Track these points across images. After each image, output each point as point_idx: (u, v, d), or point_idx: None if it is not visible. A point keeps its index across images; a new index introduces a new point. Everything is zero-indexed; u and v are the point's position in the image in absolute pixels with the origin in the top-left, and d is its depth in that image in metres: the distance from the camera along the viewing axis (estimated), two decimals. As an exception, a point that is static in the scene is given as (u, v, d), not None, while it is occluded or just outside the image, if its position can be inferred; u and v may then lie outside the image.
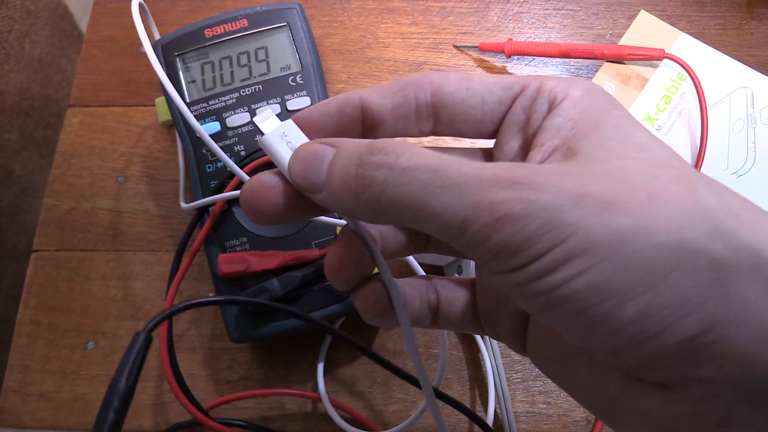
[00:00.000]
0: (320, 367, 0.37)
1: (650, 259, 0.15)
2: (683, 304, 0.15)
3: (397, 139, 0.18)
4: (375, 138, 0.20)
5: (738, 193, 0.16)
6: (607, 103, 0.19)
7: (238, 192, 0.36)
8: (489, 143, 0.22)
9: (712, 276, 0.15)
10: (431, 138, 0.43)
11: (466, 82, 0.21)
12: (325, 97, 0.39)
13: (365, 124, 0.21)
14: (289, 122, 0.21)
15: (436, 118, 0.21)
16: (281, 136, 0.21)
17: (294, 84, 0.39)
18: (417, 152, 0.17)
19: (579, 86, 0.20)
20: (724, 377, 0.15)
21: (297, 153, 0.19)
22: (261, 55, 0.39)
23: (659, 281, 0.15)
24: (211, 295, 0.40)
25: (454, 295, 0.24)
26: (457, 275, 0.37)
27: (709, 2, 0.48)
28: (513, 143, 0.21)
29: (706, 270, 0.15)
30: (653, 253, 0.15)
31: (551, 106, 0.20)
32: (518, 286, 0.16)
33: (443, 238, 0.17)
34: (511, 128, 0.21)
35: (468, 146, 0.23)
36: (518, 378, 0.38)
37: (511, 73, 0.46)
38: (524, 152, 0.21)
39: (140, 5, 0.37)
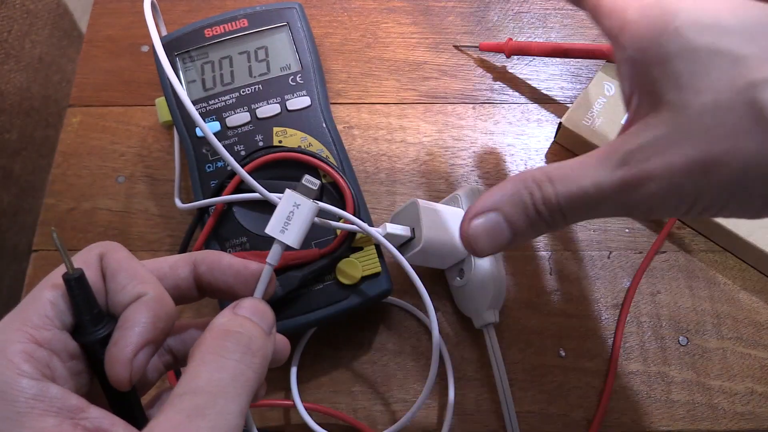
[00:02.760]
0: (293, 371, 0.37)
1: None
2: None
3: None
4: None
5: None
6: (665, 21, 0.22)
7: (237, 195, 0.36)
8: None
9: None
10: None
11: None
12: (325, 97, 0.39)
13: None
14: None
15: None
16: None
17: (294, 84, 0.39)
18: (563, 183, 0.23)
19: (631, 8, 0.23)
20: None
21: (472, 232, 0.24)
22: (261, 54, 0.39)
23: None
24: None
25: None
26: (458, 279, 0.37)
27: (709, 2, 0.48)
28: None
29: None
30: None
31: (617, 32, 0.23)
32: None
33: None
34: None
35: None
36: (518, 378, 0.37)
37: (510, 73, 0.46)
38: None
39: (152, 4, 0.37)
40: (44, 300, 0.20)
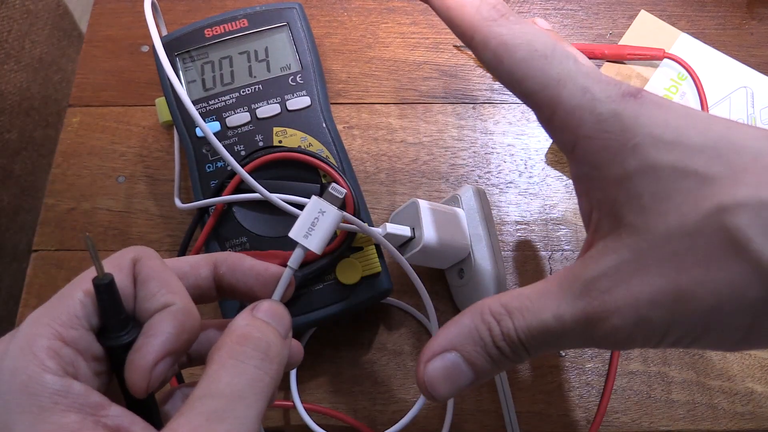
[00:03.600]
0: (293, 371, 0.37)
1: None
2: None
3: None
4: None
5: None
6: (624, 137, 0.20)
7: (237, 195, 0.36)
8: None
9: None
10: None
11: None
12: (325, 97, 0.39)
13: None
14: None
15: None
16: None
17: (294, 84, 0.39)
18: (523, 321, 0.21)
19: (586, 123, 0.21)
20: None
21: (429, 376, 0.22)
22: (261, 54, 0.39)
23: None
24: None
25: None
26: (458, 279, 0.37)
27: (709, 2, 0.48)
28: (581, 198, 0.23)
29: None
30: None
31: (570, 147, 0.22)
32: None
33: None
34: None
35: None
36: (518, 378, 0.38)
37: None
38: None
39: (152, 4, 0.37)
40: (75, 299, 0.21)
